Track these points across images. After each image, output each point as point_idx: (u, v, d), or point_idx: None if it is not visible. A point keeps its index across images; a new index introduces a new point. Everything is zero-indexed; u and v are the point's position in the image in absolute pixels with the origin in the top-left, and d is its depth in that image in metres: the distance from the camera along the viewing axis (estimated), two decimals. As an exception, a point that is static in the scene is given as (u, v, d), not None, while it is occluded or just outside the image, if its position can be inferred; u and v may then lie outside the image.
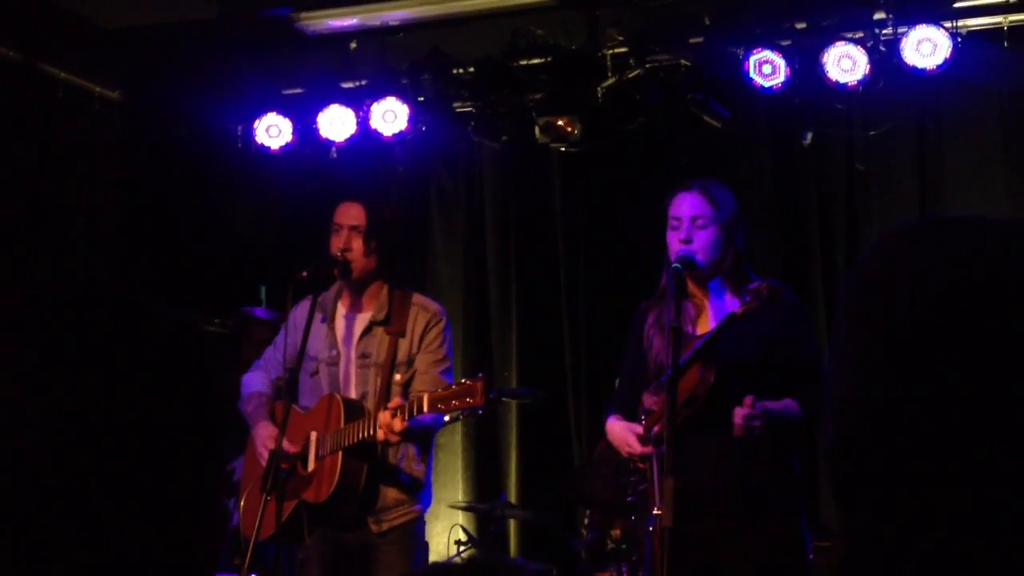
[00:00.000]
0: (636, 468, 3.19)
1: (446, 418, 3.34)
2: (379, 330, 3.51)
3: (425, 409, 3.19)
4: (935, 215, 0.86)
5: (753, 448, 3.08)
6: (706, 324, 3.23)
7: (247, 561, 3.01)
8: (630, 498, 4.36)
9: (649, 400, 3.16)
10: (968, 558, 0.71)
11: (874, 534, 0.74)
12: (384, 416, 3.21)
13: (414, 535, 3.51)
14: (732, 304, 3.22)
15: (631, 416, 3.24)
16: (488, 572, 1.00)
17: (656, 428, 3.07)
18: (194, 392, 0.86)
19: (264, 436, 3.46)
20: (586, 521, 4.88)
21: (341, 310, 3.59)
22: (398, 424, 3.18)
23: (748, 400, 2.98)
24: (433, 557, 5.23)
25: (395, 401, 3.26)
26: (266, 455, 3.37)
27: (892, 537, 0.73)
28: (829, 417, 0.80)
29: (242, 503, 3.57)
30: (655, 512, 2.82)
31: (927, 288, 0.76)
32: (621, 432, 3.20)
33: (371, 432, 3.27)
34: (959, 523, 0.72)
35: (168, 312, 0.89)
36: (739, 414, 2.99)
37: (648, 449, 3.05)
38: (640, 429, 3.12)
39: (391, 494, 3.45)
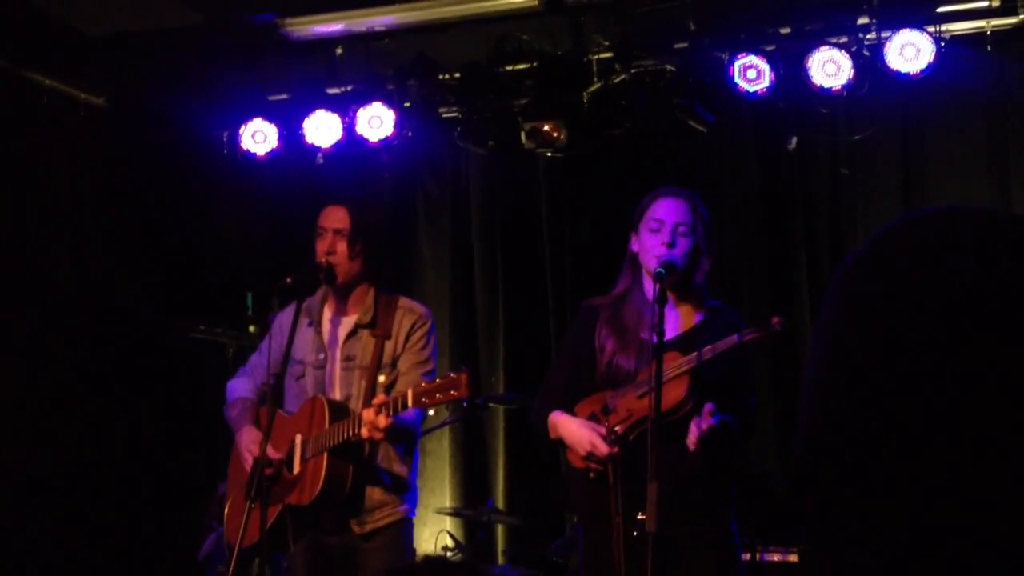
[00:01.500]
0: (588, 470, 3.14)
1: (431, 413, 3.32)
2: (364, 333, 3.50)
3: (410, 404, 3.17)
4: (949, 208, 0.77)
5: (703, 457, 3.10)
6: (670, 330, 3.24)
7: (231, 569, 2.99)
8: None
9: (612, 401, 3.14)
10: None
11: (855, 553, 0.73)
12: (368, 413, 3.19)
13: (400, 541, 3.47)
14: (694, 316, 3.25)
15: (570, 412, 3.23)
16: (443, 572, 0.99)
17: (620, 428, 3.06)
18: (181, 398, 0.86)
19: (248, 441, 3.45)
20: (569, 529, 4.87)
21: (327, 314, 3.59)
22: (382, 420, 3.16)
23: (708, 408, 2.97)
24: (420, 563, 5.23)
25: (379, 398, 3.23)
26: (250, 460, 3.36)
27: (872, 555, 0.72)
28: (813, 427, 0.76)
29: (226, 510, 3.56)
30: (639, 517, 2.83)
31: (941, 293, 0.71)
32: (581, 431, 3.14)
33: (355, 431, 3.25)
34: (952, 544, 0.70)
35: (151, 317, 0.89)
36: (697, 426, 2.98)
37: (614, 450, 3.04)
38: (603, 430, 3.10)
39: (374, 495, 3.42)
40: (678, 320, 3.24)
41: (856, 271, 0.77)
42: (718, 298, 3.38)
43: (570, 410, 3.23)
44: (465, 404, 3.21)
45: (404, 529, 3.49)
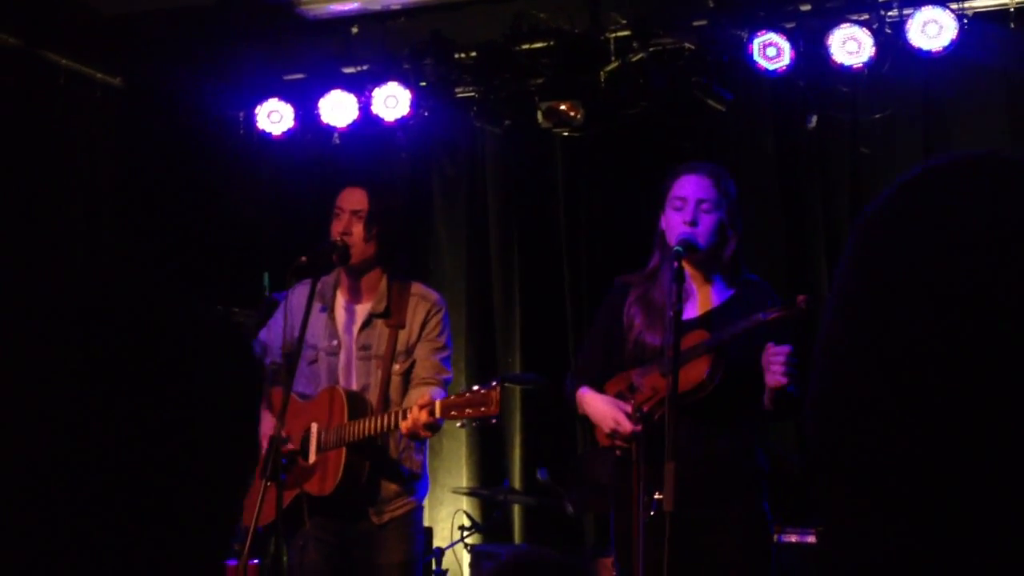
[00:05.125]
0: (614, 447, 3.16)
1: (459, 424, 3.35)
2: (379, 322, 3.51)
3: (438, 414, 3.20)
4: (967, 154, 0.72)
5: (729, 435, 3.10)
6: (695, 309, 3.21)
7: (246, 547, 3.00)
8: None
9: (638, 379, 3.13)
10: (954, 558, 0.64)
11: (860, 524, 0.68)
12: (421, 414, 3.22)
13: (413, 523, 3.53)
14: (720, 294, 3.21)
15: (599, 389, 3.22)
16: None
17: (646, 408, 3.05)
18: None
19: (265, 428, 3.46)
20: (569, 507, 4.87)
21: (340, 300, 3.59)
22: (424, 416, 3.20)
23: (777, 349, 2.91)
24: (437, 543, 5.24)
25: (424, 398, 3.28)
26: (263, 443, 3.38)
27: (878, 529, 0.67)
28: (824, 398, 0.71)
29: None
30: (656, 497, 2.81)
31: (967, 246, 0.66)
32: (606, 407, 3.15)
33: (382, 429, 3.29)
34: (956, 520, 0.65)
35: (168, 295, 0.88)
36: (777, 360, 2.89)
37: (638, 428, 3.03)
38: (629, 407, 3.09)
39: (391, 487, 3.48)
40: (708, 297, 3.21)
41: (872, 226, 0.72)
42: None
43: (600, 387, 3.22)
44: (494, 421, 3.22)
45: (415, 514, 3.56)
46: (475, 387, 3.23)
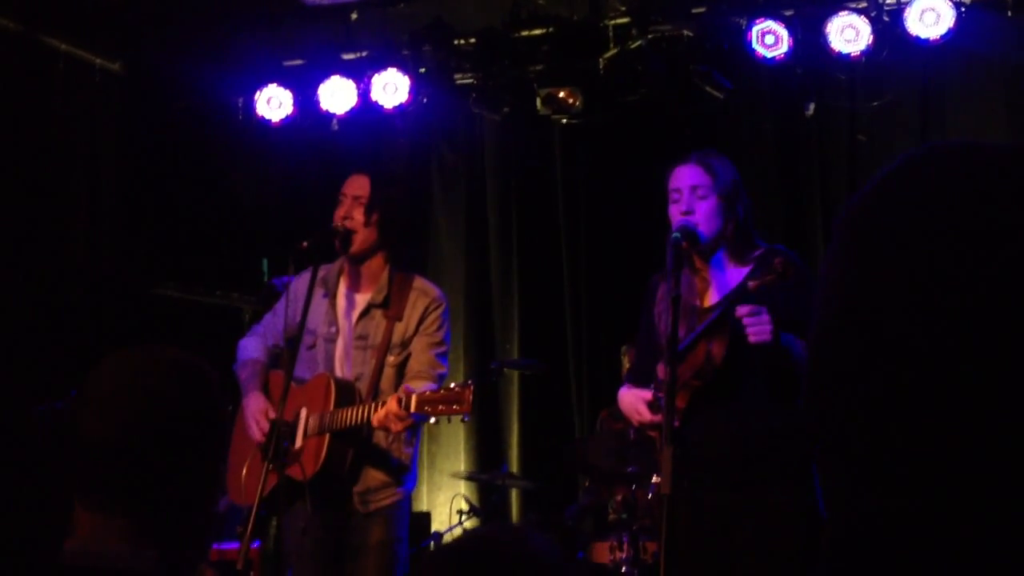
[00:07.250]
0: (647, 437, 3.19)
1: (432, 420, 3.36)
2: (377, 313, 3.53)
3: (412, 409, 3.23)
4: (961, 141, 0.75)
5: (766, 418, 3.06)
6: (712, 297, 3.21)
7: (249, 529, 3.03)
8: (630, 468, 4.39)
9: (662, 371, 3.15)
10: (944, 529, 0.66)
11: (855, 499, 0.70)
12: (394, 406, 3.24)
13: (399, 514, 3.55)
14: (736, 275, 3.20)
15: (646, 386, 3.22)
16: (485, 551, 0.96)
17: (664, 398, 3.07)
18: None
19: (255, 410, 3.48)
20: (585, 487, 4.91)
21: (342, 287, 3.61)
22: (396, 408, 3.23)
23: (739, 312, 2.94)
24: (435, 526, 5.28)
25: (401, 391, 3.31)
26: (255, 428, 3.41)
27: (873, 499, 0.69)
28: (819, 376, 0.73)
29: (244, 472, 3.59)
30: (654, 480, 2.83)
31: (958, 230, 0.68)
32: (631, 400, 3.18)
33: (361, 420, 3.31)
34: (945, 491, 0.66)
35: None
36: (742, 311, 2.91)
37: (657, 418, 3.04)
38: (649, 395, 3.11)
39: (378, 477, 3.49)
40: (725, 281, 3.21)
41: (857, 216, 0.75)
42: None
43: (644, 384, 3.23)
44: (465, 419, 3.26)
45: (403, 504, 3.57)
46: (451, 385, 3.26)
